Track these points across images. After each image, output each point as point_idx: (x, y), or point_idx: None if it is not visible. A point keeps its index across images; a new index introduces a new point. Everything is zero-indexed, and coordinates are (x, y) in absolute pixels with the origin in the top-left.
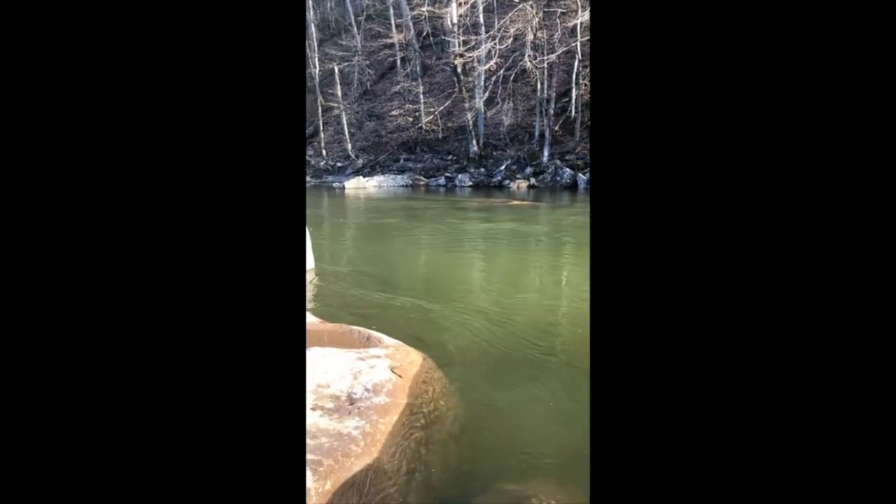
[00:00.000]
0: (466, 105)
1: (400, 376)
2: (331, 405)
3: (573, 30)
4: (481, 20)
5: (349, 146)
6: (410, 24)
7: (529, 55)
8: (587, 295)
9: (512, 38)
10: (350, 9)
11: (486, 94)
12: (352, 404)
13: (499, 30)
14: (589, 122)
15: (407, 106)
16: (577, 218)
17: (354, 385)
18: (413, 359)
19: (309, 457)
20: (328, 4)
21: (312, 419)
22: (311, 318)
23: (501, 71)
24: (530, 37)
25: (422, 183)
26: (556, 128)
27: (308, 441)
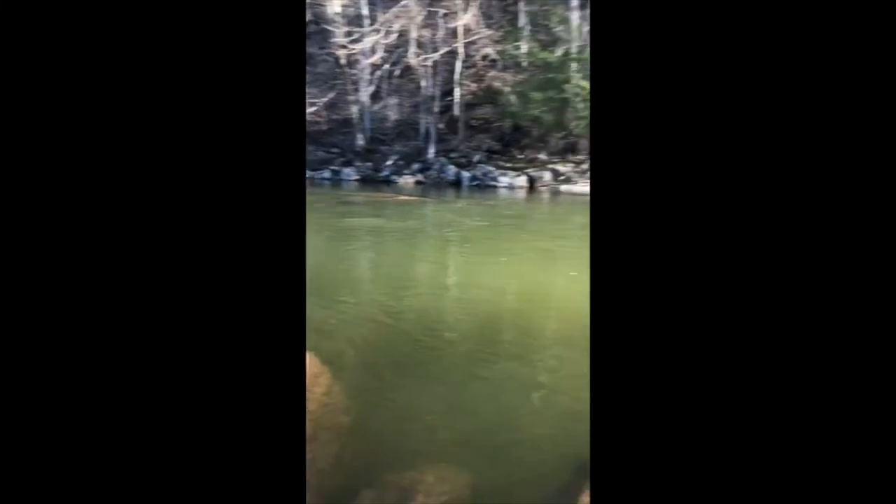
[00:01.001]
0: (351, 98)
1: None
2: None
3: (455, 31)
4: (365, 12)
5: None
6: None
7: (414, 52)
8: (477, 288)
9: (397, 34)
10: None
11: (372, 87)
12: None
13: (383, 24)
14: (471, 122)
15: None
16: (463, 214)
17: None
18: None
19: None
20: None
21: None
22: None
23: (387, 66)
24: (414, 34)
25: (306, 176)
26: (441, 126)
27: None
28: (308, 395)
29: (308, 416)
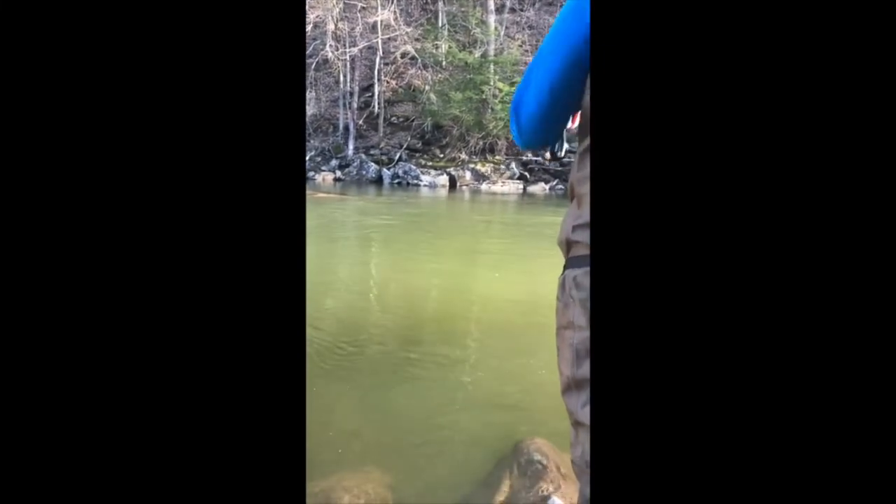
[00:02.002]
0: None
1: None
2: None
3: (374, 26)
4: None
5: None
6: None
7: (331, 45)
8: (395, 287)
9: (312, 25)
10: None
11: None
12: None
13: None
14: (392, 119)
15: None
16: (384, 212)
17: None
18: None
19: None
20: None
21: None
22: None
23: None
24: (331, 26)
25: None
26: (360, 122)
27: None
28: None
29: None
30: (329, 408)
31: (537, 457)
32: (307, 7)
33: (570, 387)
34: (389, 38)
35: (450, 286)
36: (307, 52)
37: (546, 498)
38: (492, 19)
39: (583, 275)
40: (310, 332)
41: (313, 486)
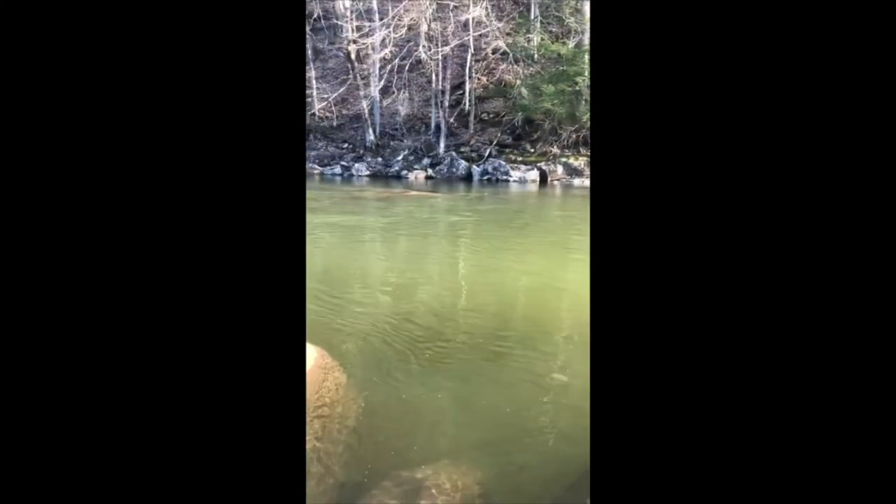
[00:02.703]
0: (362, 93)
1: None
2: None
3: (466, 24)
4: (374, 6)
5: None
6: None
7: (424, 46)
8: (484, 283)
9: (406, 28)
10: None
11: (382, 82)
12: None
13: (393, 18)
14: (482, 116)
15: None
16: (474, 208)
17: None
18: (308, 354)
19: None
20: None
21: None
22: None
23: (396, 60)
24: (424, 27)
25: (316, 172)
26: (452, 120)
27: None
28: (319, 389)
29: (318, 412)
30: (422, 401)
31: None
32: (402, 10)
33: None
34: (481, 35)
35: (538, 284)
36: (401, 55)
37: None
38: (587, 6)
39: None
40: (397, 320)
41: (402, 478)
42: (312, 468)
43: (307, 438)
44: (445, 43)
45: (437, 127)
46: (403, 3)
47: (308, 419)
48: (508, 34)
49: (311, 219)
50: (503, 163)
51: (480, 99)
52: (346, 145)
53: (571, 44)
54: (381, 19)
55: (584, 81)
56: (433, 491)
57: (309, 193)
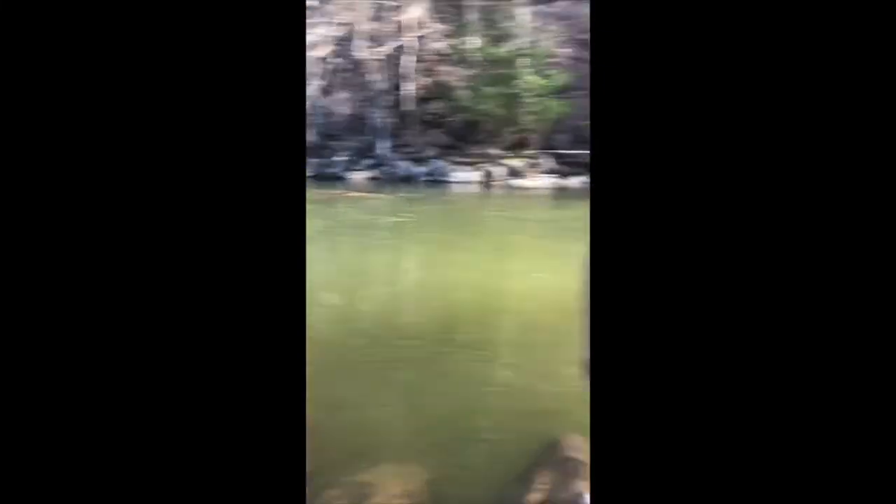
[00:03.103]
0: None
1: None
2: None
3: (405, 25)
4: (314, 3)
5: None
6: None
7: (363, 45)
8: (428, 285)
9: (345, 27)
10: None
11: (322, 82)
12: None
13: (330, 15)
14: (424, 117)
15: None
16: (415, 209)
17: None
18: None
19: None
20: None
21: None
22: None
23: (336, 59)
24: (363, 27)
25: None
26: (393, 121)
27: None
28: None
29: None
30: (368, 402)
31: (573, 454)
32: (340, 9)
33: (587, 370)
34: (420, 36)
35: (480, 284)
36: (341, 53)
37: (580, 495)
38: (523, 11)
39: None
40: (337, 324)
41: (352, 479)
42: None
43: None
44: (385, 43)
45: (378, 127)
46: (341, 2)
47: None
48: (448, 36)
49: None
50: (445, 164)
51: (421, 100)
52: None
53: (509, 47)
54: (320, 17)
55: (521, 84)
56: (378, 492)
57: None
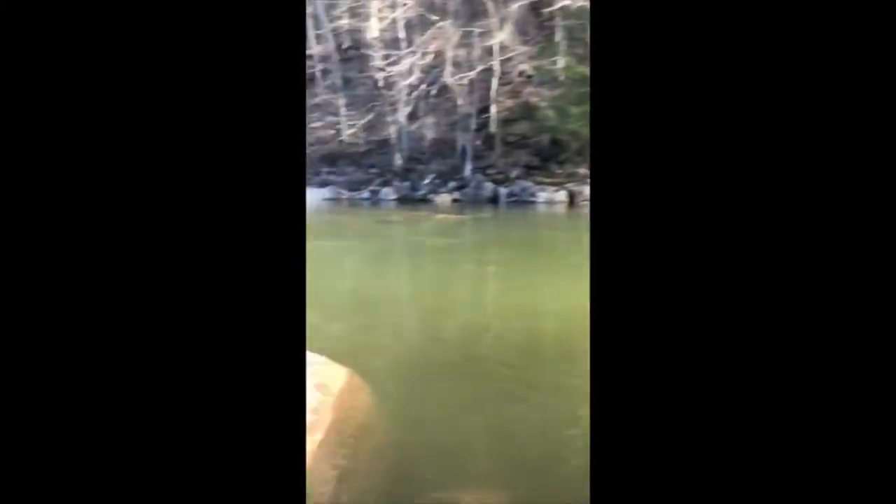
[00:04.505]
0: (389, 119)
1: (324, 395)
2: None
3: (490, 50)
4: (402, 35)
5: None
6: (330, 36)
7: (450, 71)
8: (513, 302)
9: (433, 55)
10: None
11: (409, 108)
12: None
13: (419, 46)
14: (508, 138)
15: (328, 118)
16: (499, 230)
17: None
18: (338, 375)
19: None
20: None
21: None
22: None
23: (423, 86)
24: (450, 53)
25: (345, 196)
26: (478, 143)
27: None
28: (348, 410)
29: (348, 433)
30: (452, 423)
31: None
32: (429, 38)
33: None
34: (506, 59)
35: (567, 305)
36: (428, 80)
37: None
38: None
39: None
40: (426, 341)
41: (433, 500)
42: (343, 487)
43: (335, 459)
44: (471, 68)
45: (464, 150)
46: (430, 32)
47: (338, 440)
48: (533, 58)
49: (338, 243)
50: (530, 184)
51: (506, 121)
52: (373, 170)
53: None
54: (408, 47)
55: None
56: None
57: (337, 218)
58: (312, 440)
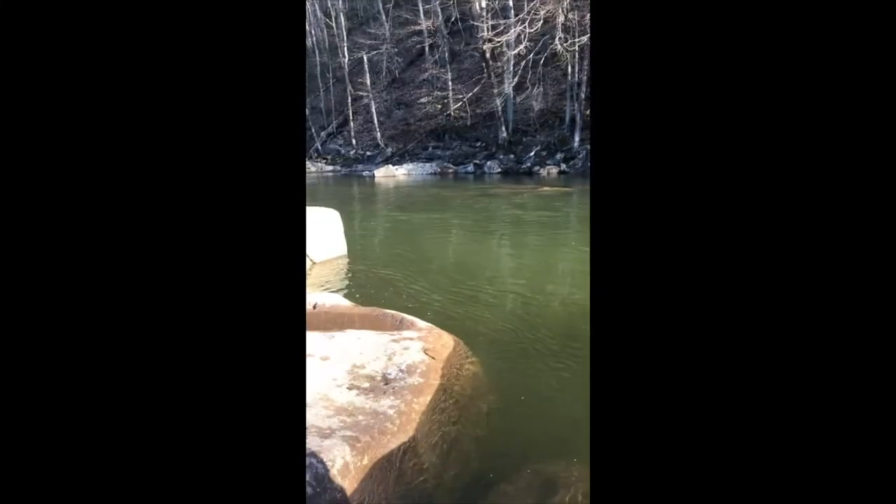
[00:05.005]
0: (495, 91)
1: (433, 358)
2: (366, 385)
3: None
4: (510, 3)
5: (378, 135)
6: (438, 9)
7: (560, 38)
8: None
9: (542, 21)
10: None
11: (516, 79)
12: (386, 384)
13: (528, 13)
14: None
15: (435, 93)
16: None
17: (389, 366)
18: (445, 341)
19: (346, 433)
20: None
21: (349, 398)
22: (344, 302)
23: (531, 55)
24: (561, 19)
25: (450, 170)
26: (587, 112)
27: (346, 418)
28: (456, 375)
29: (455, 398)
30: (556, 396)
31: None
32: (538, 4)
33: None
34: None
35: None
36: (536, 49)
37: None
38: None
39: None
40: (529, 313)
41: (535, 470)
42: (449, 451)
43: (442, 422)
44: (583, 32)
45: (572, 120)
46: None
47: (445, 404)
48: None
49: (440, 215)
50: None
51: None
52: (479, 143)
53: None
54: (516, 15)
55: None
56: (568, 487)
57: (443, 191)
58: (420, 402)
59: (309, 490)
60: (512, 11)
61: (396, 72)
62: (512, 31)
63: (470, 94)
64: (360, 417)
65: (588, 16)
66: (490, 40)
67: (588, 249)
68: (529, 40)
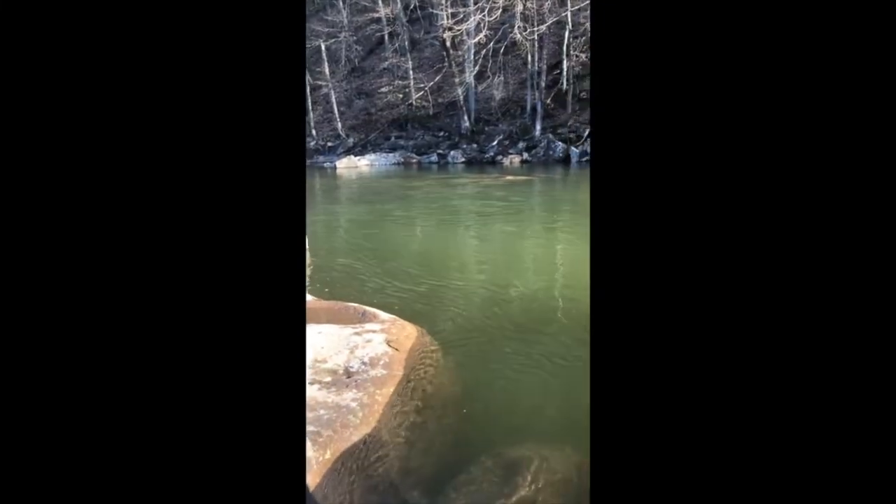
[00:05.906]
0: (457, 80)
1: (396, 349)
2: (328, 379)
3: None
4: None
5: (339, 125)
6: None
7: (519, 26)
8: (580, 267)
9: (501, 10)
10: None
11: (477, 67)
12: (349, 377)
13: (487, 1)
14: (581, 95)
15: (396, 82)
16: (569, 192)
17: (351, 359)
18: (409, 332)
19: (308, 428)
20: None
21: (310, 392)
22: (306, 297)
23: (491, 44)
24: (520, 7)
25: (414, 160)
26: (548, 101)
27: (307, 413)
28: (417, 367)
29: (418, 389)
30: (519, 383)
31: None
32: None
33: None
34: (579, 9)
35: None
36: (496, 38)
37: None
38: None
39: None
40: (493, 301)
41: (501, 455)
42: (414, 441)
43: (406, 413)
44: (542, 21)
45: (533, 109)
46: None
47: (409, 394)
48: None
49: (404, 206)
50: None
51: (579, 77)
52: (442, 133)
53: None
54: (475, 3)
55: None
56: (532, 469)
57: (407, 182)
58: (383, 393)
59: None
60: (472, 0)
61: (356, 60)
62: (472, 19)
63: (431, 83)
64: (322, 412)
65: (546, 4)
66: (450, 28)
67: (549, 237)
68: (489, 29)
